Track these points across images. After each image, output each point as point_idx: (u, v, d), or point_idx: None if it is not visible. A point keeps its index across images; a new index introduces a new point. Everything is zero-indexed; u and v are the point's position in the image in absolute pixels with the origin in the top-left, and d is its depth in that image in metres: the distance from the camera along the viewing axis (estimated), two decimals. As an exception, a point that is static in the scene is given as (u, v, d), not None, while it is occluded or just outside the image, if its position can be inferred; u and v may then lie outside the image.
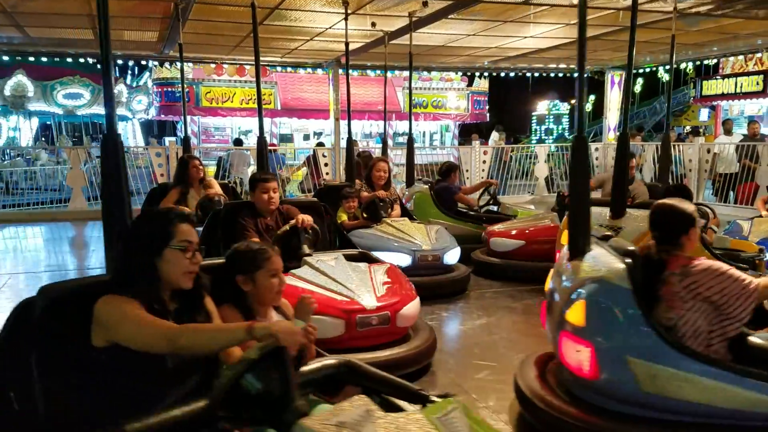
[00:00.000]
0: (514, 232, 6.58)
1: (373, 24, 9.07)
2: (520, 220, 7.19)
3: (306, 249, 4.25)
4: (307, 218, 4.33)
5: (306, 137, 18.09)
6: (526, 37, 10.88)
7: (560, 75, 16.04)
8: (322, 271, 4.03)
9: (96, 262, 7.63)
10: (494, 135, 18.26)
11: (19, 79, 17.74)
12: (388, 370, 2.21)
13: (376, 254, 4.75)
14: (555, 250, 5.20)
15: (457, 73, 18.30)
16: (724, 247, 4.95)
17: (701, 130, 21.00)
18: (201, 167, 6.40)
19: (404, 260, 5.53)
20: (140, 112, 21.24)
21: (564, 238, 4.67)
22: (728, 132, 12.84)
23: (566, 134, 31.20)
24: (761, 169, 11.09)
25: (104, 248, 3.05)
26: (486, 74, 17.29)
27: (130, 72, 23.24)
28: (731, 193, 11.58)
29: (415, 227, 5.99)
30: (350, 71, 16.10)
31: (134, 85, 21.54)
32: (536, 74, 16.08)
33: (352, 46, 11.60)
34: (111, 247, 2.89)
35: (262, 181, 4.40)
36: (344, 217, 6.11)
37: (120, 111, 21.18)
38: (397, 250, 5.59)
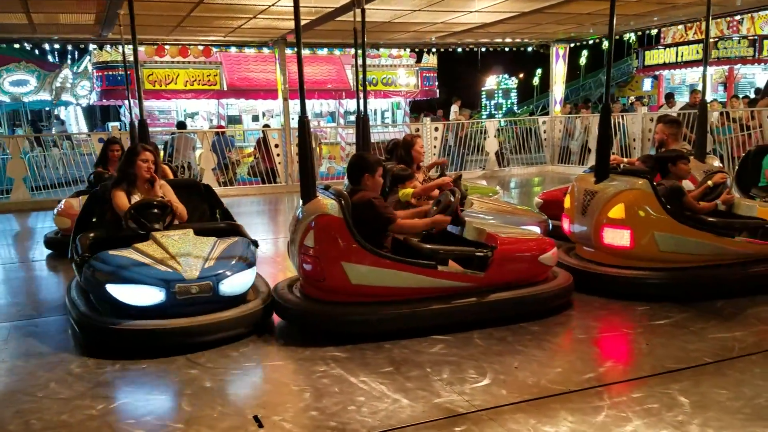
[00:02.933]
0: None
1: None
2: None
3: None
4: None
5: (255, 118, 17.78)
6: (471, 12, 10.89)
7: (507, 49, 16.14)
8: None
9: (39, 254, 7.37)
10: (454, 107, 18.26)
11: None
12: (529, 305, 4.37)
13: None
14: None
15: (405, 50, 18.20)
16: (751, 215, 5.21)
17: (645, 100, 21.46)
18: (151, 163, 4.88)
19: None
20: (83, 98, 20.63)
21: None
22: (671, 106, 13.20)
23: (515, 108, 31.55)
24: (702, 136, 11.39)
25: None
26: (434, 50, 17.25)
27: (70, 57, 22.43)
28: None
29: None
30: (315, 50, 15.93)
31: (75, 70, 20.85)
32: (483, 49, 16.13)
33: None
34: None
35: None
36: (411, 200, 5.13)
37: (65, 97, 20.53)
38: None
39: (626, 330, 4.27)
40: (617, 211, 4.83)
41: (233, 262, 4.29)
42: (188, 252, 4.29)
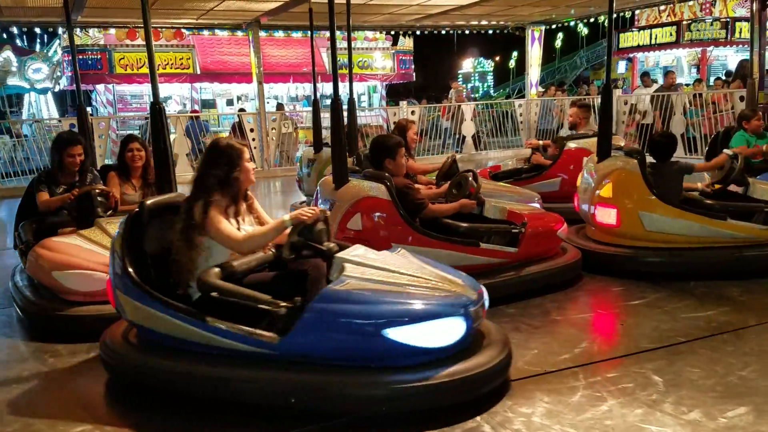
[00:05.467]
0: None
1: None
2: None
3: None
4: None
5: (230, 102, 17.61)
6: (447, -6, 10.84)
7: (482, 32, 16.10)
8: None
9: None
10: (453, 90, 18.12)
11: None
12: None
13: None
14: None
15: (381, 33, 18.10)
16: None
17: (619, 83, 21.62)
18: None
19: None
20: (40, 82, 20.10)
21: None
22: (647, 85, 13.31)
23: (491, 92, 31.62)
24: (675, 118, 11.54)
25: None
26: (410, 33, 17.17)
27: (39, 40, 21.90)
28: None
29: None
30: (272, 32, 15.79)
31: (45, 52, 20.40)
32: (459, 32, 16.07)
33: (269, 6, 11.29)
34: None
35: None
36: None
37: (12, 81, 19.97)
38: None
39: (601, 311, 4.32)
40: (606, 190, 4.97)
41: None
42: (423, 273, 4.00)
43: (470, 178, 4.73)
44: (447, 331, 2.87)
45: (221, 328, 2.94)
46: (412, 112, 13.87)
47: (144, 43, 15.57)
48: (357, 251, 3.21)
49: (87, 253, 4.12)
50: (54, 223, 4.58)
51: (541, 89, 15.99)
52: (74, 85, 16.34)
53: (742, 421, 2.69)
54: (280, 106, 15.24)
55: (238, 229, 3.22)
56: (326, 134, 12.59)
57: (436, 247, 4.13)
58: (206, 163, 3.26)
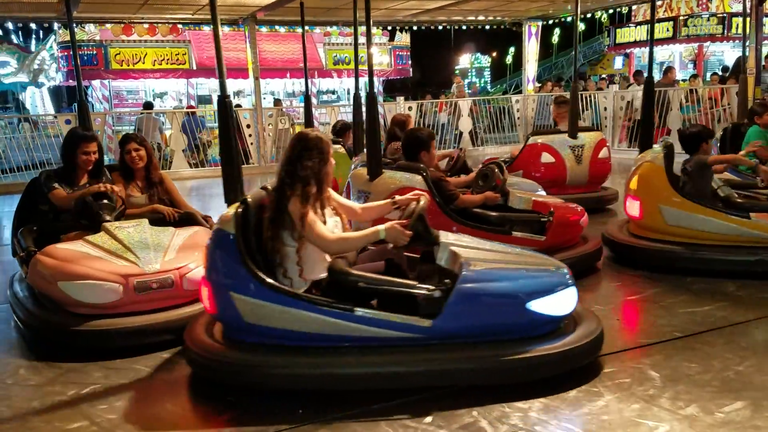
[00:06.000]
0: None
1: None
2: None
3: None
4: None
5: (226, 98, 17.56)
6: (444, -11, 10.81)
7: (479, 28, 16.08)
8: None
9: (5, 239, 7.21)
10: (456, 85, 18.09)
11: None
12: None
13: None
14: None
15: (378, 28, 18.06)
16: None
17: (616, 79, 21.62)
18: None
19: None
20: (53, 79, 20.22)
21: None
22: (640, 83, 13.30)
23: (488, 87, 31.60)
24: (672, 113, 11.54)
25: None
26: (407, 29, 17.12)
27: (34, 36, 21.85)
28: (645, 138, 11.99)
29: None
30: (267, 28, 15.72)
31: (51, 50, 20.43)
32: (456, 27, 16.05)
33: (265, 1, 11.25)
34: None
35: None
36: None
37: (41, 79, 20.07)
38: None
39: (598, 306, 4.32)
40: (634, 182, 5.08)
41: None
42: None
43: (496, 170, 4.88)
44: (569, 300, 3.17)
45: (372, 317, 2.97)
46: (410, 108, 13.85)
47: (141, 38, 15.50)
48: (449, 237, 3.40)
49: (96, 262, 3.79)
50: (56, 229, 4.33)
51: (538, 85, 15.98)
52: (70, 80, 16.37)
53: (738, 415, 2.70)
54: (276, 102, 15.21)
55: (324, 222, 3.19)
56: (325, 130, 12.58)
57: (473, 235, 4.00)
58: (297, 155, 3.18)
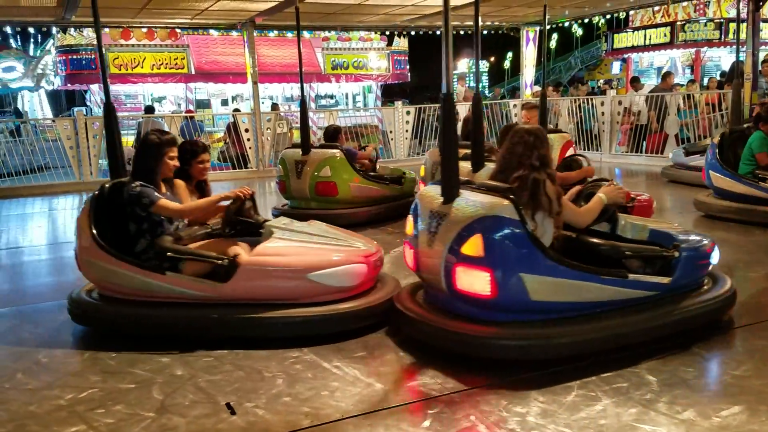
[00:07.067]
0: None
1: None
2: None
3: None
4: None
5: (224, 102, 17.58)
6: (442, -6, 10.83)
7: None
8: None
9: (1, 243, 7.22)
10: (458, 87, 18.03)
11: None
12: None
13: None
14: None
15: (376, 33, 18.09)
16: None
17: (614, 83, 21.68)
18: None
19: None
20: (14, 81, 20.24)
21: None
22: (637, 89, 13.36)
23: (486, 92, 31.64)
24: (669, 118, 11.56)
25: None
26: (405, 33, 17.17)
27: (33, 40, 21.85)
28: (643, 143, 12.04)
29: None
30: (266, 33, 15.76)
31: (39, 53, 20.45)
32: (454, 32, 16.06)
33: (264, 6, 11.27)
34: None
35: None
36: None
37: (44, 84, 20.09)
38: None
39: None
40: None
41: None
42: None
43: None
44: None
45: (628, 279, 3.43)
46: (408, 112, 13.87)
47: (139, 42, 15.50)
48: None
49: (327, 250, 3.97)
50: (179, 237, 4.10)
51: (537, 88, 16.01)
52: (68, 84, 16.38)
53: (735, 420, 2.70)
54: (275, 106, 15.24)
55: None
56: (320, 135, 12.60)
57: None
58: (533, 145, 3.54)
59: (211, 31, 15.16)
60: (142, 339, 3.79)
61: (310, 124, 15.72)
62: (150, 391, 3.21)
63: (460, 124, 7.06)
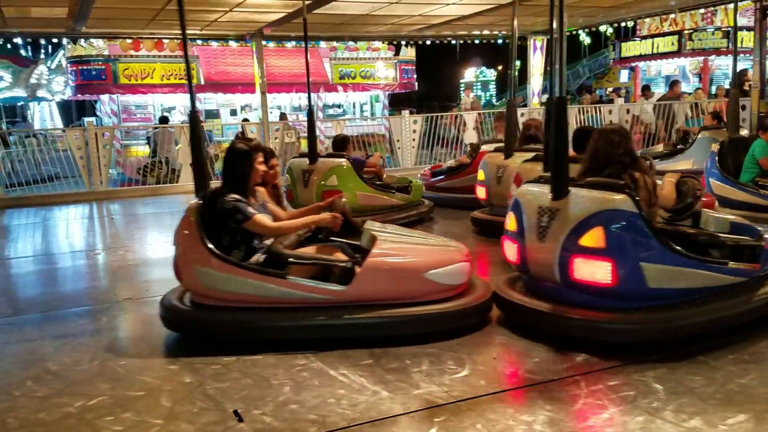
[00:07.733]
0: None
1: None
2: None
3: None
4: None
5: (233, 112, 17.66)
6: (448, 4, 10.89)
7: (485, 42, 16.14)
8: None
9: (12, 251, 7.27)
10: (465, 97, 18.07)
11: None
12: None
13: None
14: None
15: (383, 42, 18.16)
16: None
17: (622, 92, 21.65)
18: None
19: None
20: (59, 93, 20.40)
21: None
22: (648, 98, 13.37)
23: (494, 101, 31.66)
24: (677, 126, 11.55)
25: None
26: (412, 43, 17.22)
27: (44, 51, 22.08)
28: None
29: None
30: (273, 43, 15.87)
31: (50, 65, 20.59)
32: (461, 41, 16.13)
33: (272, 17, 11.36)
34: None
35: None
36: None
37: (41, 93, 20.24)
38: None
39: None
40: None
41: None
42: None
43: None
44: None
45: (729, 267, 3.70)
46: (415, 121, 13.91)
47: (149, 53, 15.62)
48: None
49: (436, 251, 4.10)
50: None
51: (545, 97, 16.04)
52: (79, 95, 16.49)
53: (741, 428, 2.70)
54: (283, 116, 15.31)
55: None
56: (327, 144, 12.64)
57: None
58: (618, 143, 3.83)
59: (215, 43, 15.27)
60: (235, 344, 3.80)
61: (318, 133, 15.81)
62: (158, 398, 3.24)
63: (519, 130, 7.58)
